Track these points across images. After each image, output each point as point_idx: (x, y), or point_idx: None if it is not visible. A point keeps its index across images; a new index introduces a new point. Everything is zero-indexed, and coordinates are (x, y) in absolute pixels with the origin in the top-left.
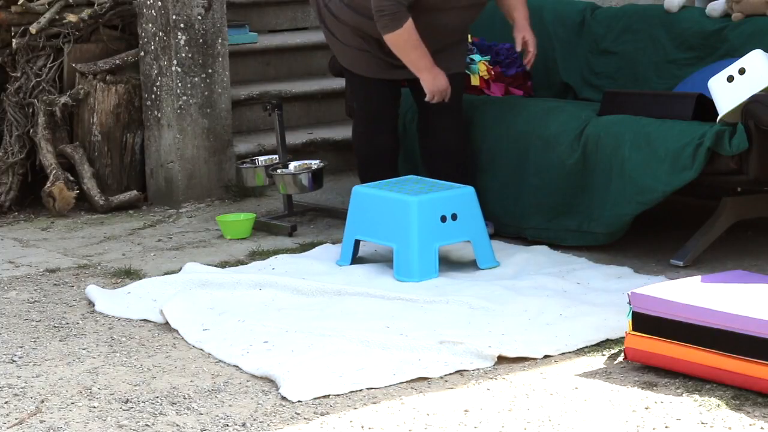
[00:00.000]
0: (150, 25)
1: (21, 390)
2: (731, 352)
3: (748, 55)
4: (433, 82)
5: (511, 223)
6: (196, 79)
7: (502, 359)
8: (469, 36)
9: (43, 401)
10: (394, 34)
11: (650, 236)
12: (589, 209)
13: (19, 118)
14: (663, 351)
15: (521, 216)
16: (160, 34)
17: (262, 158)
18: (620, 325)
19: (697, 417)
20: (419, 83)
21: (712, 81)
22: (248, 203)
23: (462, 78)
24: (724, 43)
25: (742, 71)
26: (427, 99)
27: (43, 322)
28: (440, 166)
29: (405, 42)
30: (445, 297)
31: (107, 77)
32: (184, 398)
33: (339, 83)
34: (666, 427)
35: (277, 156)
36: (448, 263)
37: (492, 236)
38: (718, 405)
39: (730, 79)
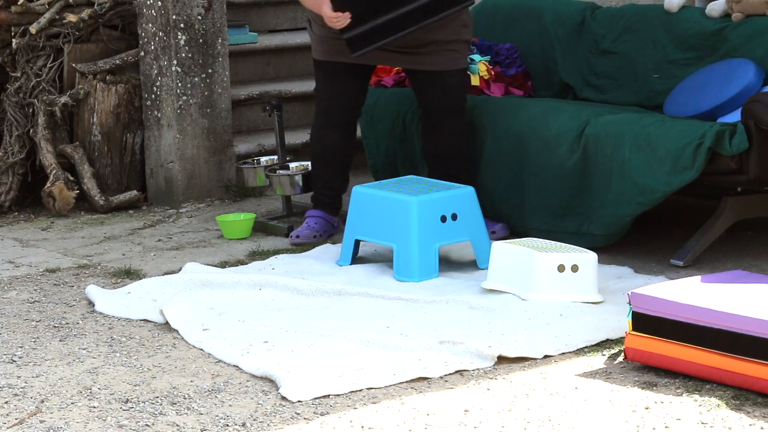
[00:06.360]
0: (150, 25)
1: (21, 390)
2: (731, 352)
3: (586, 253)
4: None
5: (512, 225)
6: (196, 79)
7: (502, 359)
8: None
9: (43, 401)
10: None
11: (650, 236)
12: (589, 211)
13: (19, 118)
14: (663, 351)
15: (523, 217)
16: (160, 34)
17: (263, 158)
18: (620, 325)
19: (697, 417)
20: (421, 82)
21: (538, 256)
22: (248, 203)
23: (464, 76)
24: (724, 43)
25: (575, 268)
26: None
27: (43, 322)
28: (444, 168)
29: None
30: (445, 297)
31: (107, 77)
32: (184, 398)
33: None
34: (666, 427)
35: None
36: (448, 263)
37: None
38: (718, 405)
39: (561, 268)
